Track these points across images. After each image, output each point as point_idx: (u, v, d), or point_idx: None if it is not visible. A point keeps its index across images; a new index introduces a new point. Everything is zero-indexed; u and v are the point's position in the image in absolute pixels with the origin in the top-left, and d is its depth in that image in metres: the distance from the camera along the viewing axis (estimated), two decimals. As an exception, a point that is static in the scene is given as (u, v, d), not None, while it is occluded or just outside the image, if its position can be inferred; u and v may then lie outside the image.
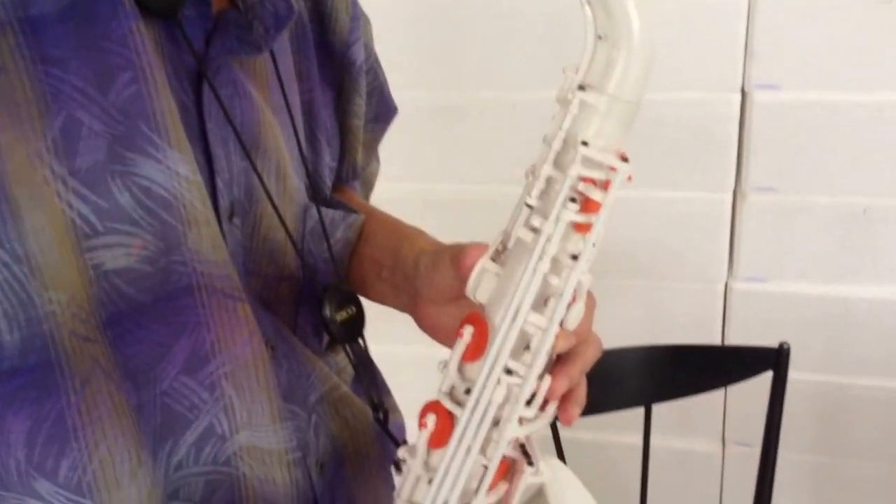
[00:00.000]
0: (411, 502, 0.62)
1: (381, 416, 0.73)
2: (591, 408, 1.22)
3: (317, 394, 0.73)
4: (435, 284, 0.71)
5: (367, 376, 0.74)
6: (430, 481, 0.61)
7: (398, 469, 0.63)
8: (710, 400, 1.77)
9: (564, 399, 0.64)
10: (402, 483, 0.63)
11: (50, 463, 0.60)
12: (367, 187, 0.93)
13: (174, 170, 0.62)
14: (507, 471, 0.64)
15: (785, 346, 1.27)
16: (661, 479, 1.83)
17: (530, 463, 0.63)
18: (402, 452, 0.63)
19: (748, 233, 1.67)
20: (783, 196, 1.64)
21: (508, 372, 0.60)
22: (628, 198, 1.65)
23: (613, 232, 1.58)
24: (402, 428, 0.86)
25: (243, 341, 0.66)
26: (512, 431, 0.60)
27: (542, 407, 0.63)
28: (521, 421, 0.61)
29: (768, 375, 1.30)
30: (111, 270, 0.61)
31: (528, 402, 0.61)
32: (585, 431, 1.81)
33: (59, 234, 0.59)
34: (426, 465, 0.62)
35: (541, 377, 0.61)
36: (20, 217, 0.57)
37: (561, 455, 1.26)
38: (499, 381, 0.60)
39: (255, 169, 0.68)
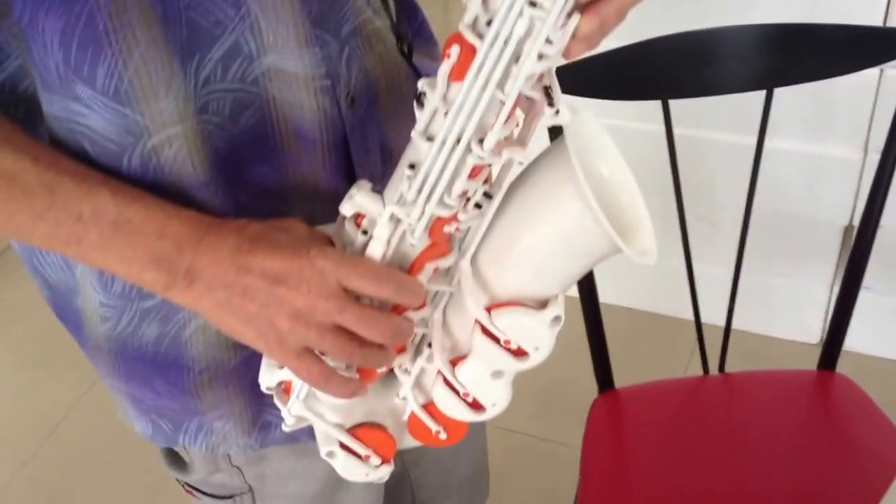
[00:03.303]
0: (427, 134, 0.63)
1: (405, 47, 0.72)
2: (706, 89, 1.18)
3: (350, 26, 0.72)
4: None
5: (398, 8, 0.72)
6: (446, 114, 0.61)
7: (420, 103, 0.63)
8: (858, 103, 1.66)
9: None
10: (421, 116, 0.63)
11: (86, 68, 0.62)
12: None
13: None
14: (529, 112, 0.64)
15: (923, 27, 1.15)
16: (791, 183, 1.77)
17: (551, 104, 0.62)
18: (422, 84, 0.62)
19: None
20: None
21: (532, 4, 0.57)
22: None
23: None
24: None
25: None
26: (530, 67, 0.59)
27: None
28: (540, 56, 0.59)
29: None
30: None
31: (552, 41, 0.59)
32: (704, 130, 1.73)
33: None
34: (445, 99, 0.61)
35: (569, 14, 0.59)
36: None
37: (673, 151, 1.21)
38: (521, 13, 0.58)
39: None
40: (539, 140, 0.65)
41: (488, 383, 0.70)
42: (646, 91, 1.16)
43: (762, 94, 1.16)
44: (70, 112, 0.64)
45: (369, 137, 0.76)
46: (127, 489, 1.84)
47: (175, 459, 0.88)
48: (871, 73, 1.61)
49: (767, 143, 1.20)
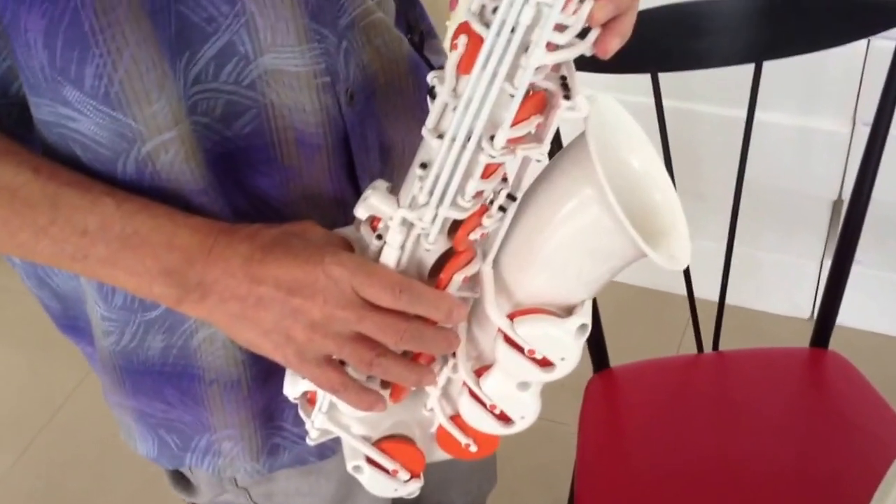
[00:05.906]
0: (438, 131, 0.59)
1: (416, 38, 0.68)
2: (695, 62, 1.15)
3: (347, 18, 0.69)
4: None
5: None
6: (455, 109, 0.58)
7: (432, 97, 0.59)
8: (845, 76, 1.64)
9: (605, 28, 0.57)
10: (432, 111, 0.59)
11: (74, 69, 0.58)
12: None
13: None
14: (544, 105, 0.60)
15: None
16: (779, 157, 1.75)
17: (567, 97, 0.58)
18: (431, 77, 0.59)
19: None
20: None
21: (538, -11, 0.53)
22: None
23: None
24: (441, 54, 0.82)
25: None
26: (539, 58, 0.55)
27: (582, 35, 0.57)
28: (550, 46, 0.55)
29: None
30: None
31: (564, 29, 0.55)
32: (694, 103, 1.71)
33: None
34: (454, 92, 0.58)
35: (582, 0, 0.55)
36: None
37: (663, 124, 1.17)
38: (527, 0, 0.54)
39: None
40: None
41: (515, 395, 0.67)
42: (635, 64, 1.13)
43: (751, 67, 1.14)
44: (59, 116, 0.61)
45: (368, 135, 0.72)
46: (124, 478, 1.81)
47: (180, 480, 0.86)
48: (859, 45, 1.58)
49: (755, 117, 1.17)
